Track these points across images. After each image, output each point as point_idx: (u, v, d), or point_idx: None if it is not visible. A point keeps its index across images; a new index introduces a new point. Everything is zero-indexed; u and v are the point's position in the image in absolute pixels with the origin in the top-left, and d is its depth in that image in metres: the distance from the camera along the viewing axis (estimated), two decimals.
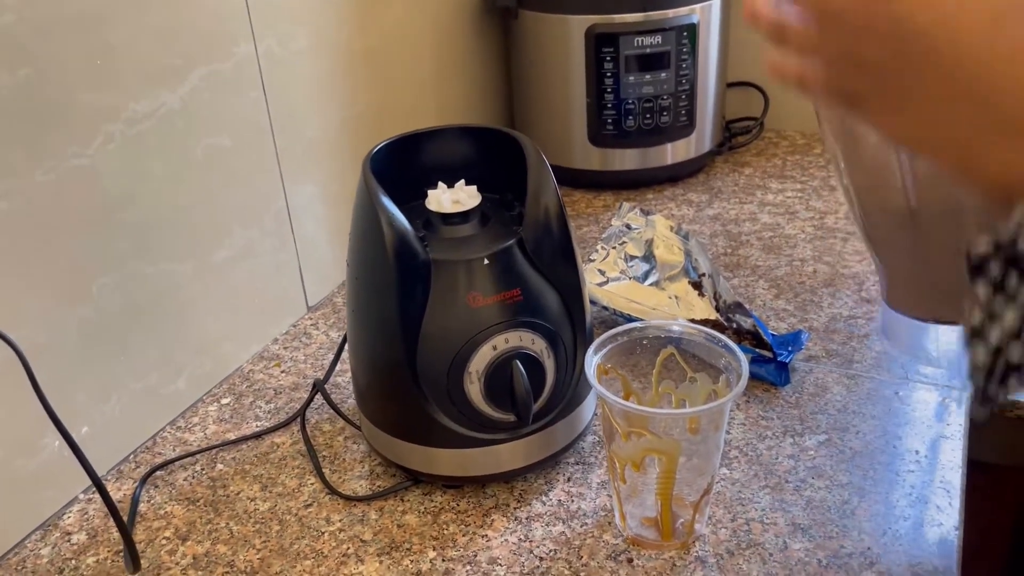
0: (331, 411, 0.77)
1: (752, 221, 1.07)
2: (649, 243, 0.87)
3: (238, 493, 0.70)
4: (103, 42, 0.66)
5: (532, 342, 0.62)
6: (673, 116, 1.13)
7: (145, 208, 0.72)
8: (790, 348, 0.77)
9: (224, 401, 0.81)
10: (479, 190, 0.66)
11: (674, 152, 1.17)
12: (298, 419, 0.77)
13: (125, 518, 0.67)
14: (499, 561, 0.61)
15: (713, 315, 0.80)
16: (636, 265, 0.87)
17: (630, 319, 0.81)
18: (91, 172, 0.67)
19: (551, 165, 0.65)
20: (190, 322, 0.79)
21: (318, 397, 0.79)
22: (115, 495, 0.70)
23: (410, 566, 0.61)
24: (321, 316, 0.94)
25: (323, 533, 0.65)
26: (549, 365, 0.63)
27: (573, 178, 1.19)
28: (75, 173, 0.66)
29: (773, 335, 0.79)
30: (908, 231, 0.48)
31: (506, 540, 0.63)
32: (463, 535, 0.64)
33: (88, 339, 0.69)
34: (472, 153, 0.71)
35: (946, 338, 0.50)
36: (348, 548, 0.63)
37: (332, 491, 0.69)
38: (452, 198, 0.65)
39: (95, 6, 0.65)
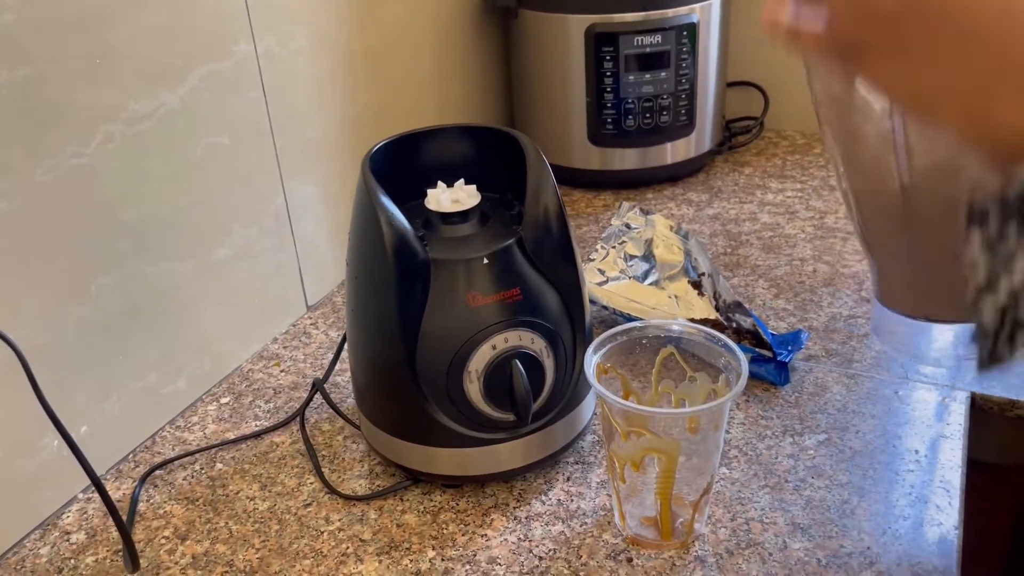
0: (330, 410, 0.77)
1: (752, 221, 1.07)
2: (649, 242, 0.87)
3: (237, 492, 0.69)
4: (103, 42, 0.66)
5: (531, 341, 0.62)
6: (673, 116, 1.13)
7: (145, 208, 0.72)
8: (790, 347, 0.77)
9: (223, 400, 0.81)
10: (478, 189, 0.66)
11: (674, 152, 1.17)
12: (297, 418, 0.77)
13: (124, 518, 0.67)
14: (498, 560, 0.61)
15: (713, 314, 0.80)
16: (636, 264, 0.87)
17: (630, 318, 0.81)
18: (91, 172, 0.67)
19: (551, 164, 0.65)
20: (189, 321, 0.79)
21: (317, 396, 0.79)
22: (114, 495, 0.70)
23: (409, 565, 0.61)
24: (320, 315, 0.94)
25: (322, 532, 0.65)
26: (548, 364, 0.63)
27: (573, 177, 1.19)
28: (75, 173, 0.66)
29: (773, 334, 0.79)
30: (904, 233, 0.48)
31: (505, 540, 0.63)
32: (462, 534, 0.64)
33: (87, 339, 0.69)
34: (472, 152, 0.71)
35: (938, 336, 0.51)
36: (347, 547, 0.63)
37: (331, 490, 0.69)
38: (451, 197, 0.65)
39: (95, 6, 0.65)
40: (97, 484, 0.59)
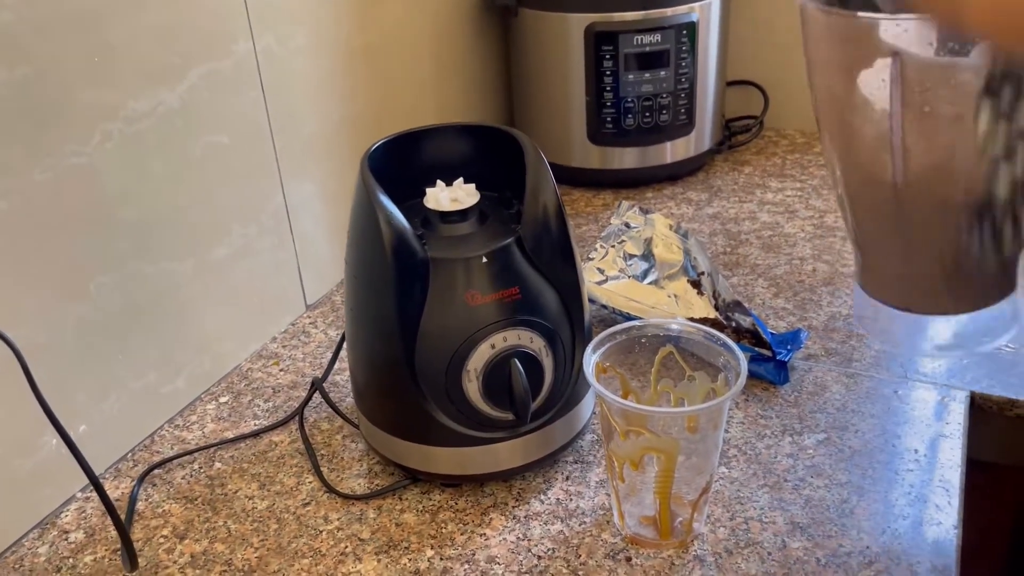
0: (329, 410, 0.77)
1: (751, 220, 1.07)
2: (648, 242, 0.87)
3: (236, 492, 0.69)
4: (102, 40, 0.66)
5: (530, 340, 0.62)
6: (672, 115, 1.13)
7: (144, 207, 0.72)
8: (789, 347, 0.77)
9: (222, 400, 0.81)
10: (477, 188, 0.66)
11: (673, 151, 1.17)
12: (296, 418, 0.77)
13: (123, 517, 0.67)
14: (497, 560, 0.61)
15: (712, 314, 0.80)
16: (635, 264, 0.87)
17: (629, 318, 0.81)
18: (90, 171, 0.67)
19: (550, 163, 0.65)
20: (189, 321, 0.78)
21: (316, 396, 0.79)
22: (113, 494, 0.70)
23: (408, 565, 0.61)
24: (320, 314, 0.93)
25: (321, 532, 0.65)
26: (547, 364, 0.63)
27: (572, 176, 1.19)
28: (74, 172, 0.66)
29: (772, 334, 0.79)
30: (896, 232, 0.49)
31: (504, 539, 0.63)
32: (461, 534, 0.64)
33: (87, 338, 0.69)
34: (471, 151, 0.71)
35: (919, 325, 0.51)
36: (346, 547, 0.63)
37: (330, 490, 0.69)
38: (450, 196, 0.65)
39: (94, 4, 0.65)
40: (95, 483, 0.59)
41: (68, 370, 0.68)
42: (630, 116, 1.12)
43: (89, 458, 0.59)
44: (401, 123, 0.98)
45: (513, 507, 0.66)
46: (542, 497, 0.67)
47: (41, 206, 0.64)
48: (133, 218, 0.71)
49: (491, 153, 0.69)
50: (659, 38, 1.08)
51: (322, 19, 0.89)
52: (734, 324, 0.78)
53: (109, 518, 0.62)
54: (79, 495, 0.70)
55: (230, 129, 0.80)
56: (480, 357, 0.61)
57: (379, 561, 0.62)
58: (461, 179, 0.67)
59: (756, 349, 0.76)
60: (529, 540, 0.63)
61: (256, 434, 0.76)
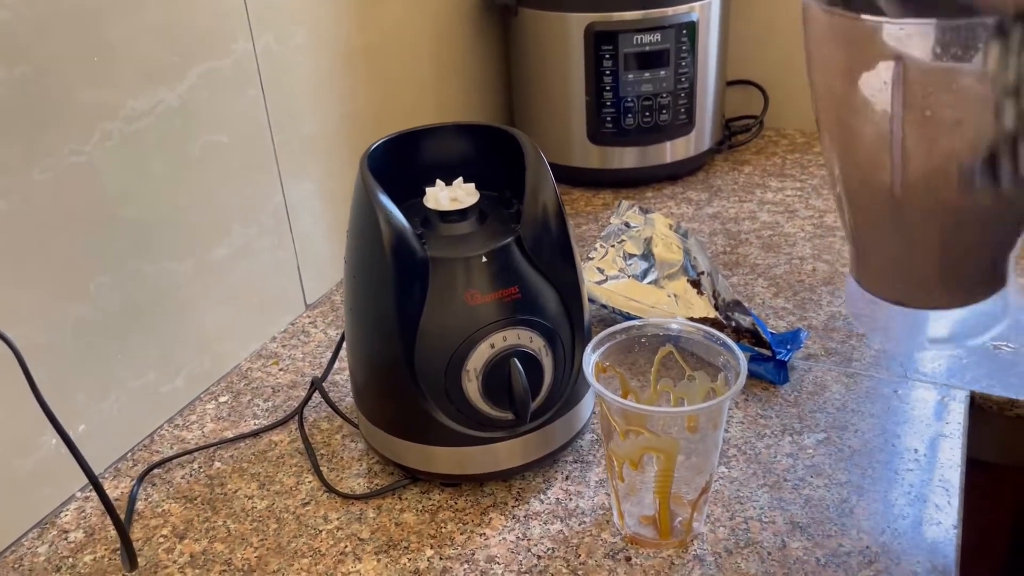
0: (329, 409, 0.77)
1: (751, 219, 1.07)
2: (648, 241, 0.87)
3: (236, 491, 0.69)
4: (101, 39, 0.66)
5: (530, 340, 0.62)
6: (672, 114, 1.13)
7: (143, 206, 0.72)
8: (789, 346, 0.77)
9: (222, 399, 0.81)
10: (477, 188, 0.66)
11: (673, 150, 1.17)
12: (296, 417, 0.77)
13: (122, 516, 0.67)
14: (497, 559, 0.61)
15: (712, 313, 0.80)
16: (635, 263, 0.86)
17: (628, 317, 0.81)
18: (89, 170, 0.67)
19: (550, 163, 0.65)
20: (188, 320, 0.78)
21: (316, 395, 0.79)
22: (112, 493, 0.70)
23: (408, 564, 0.61)
24: (319, 314, 0.93)
25: (320, 531, 0.65)
26: (547, 363, 0.63)
27: (572, 176, 1.19)
28: (73, 171, 0.66)
29: (772, 333, 0.79)
30: (893, 229, 0.49)
31: (504, 539, 0.63)
32: (461, 533, 0.64)
33: (86, 338, 0.69)
34: (470, 151, 0.71)
35: (912, 318, 0.52)
36: (346, 546, 0.63)
37: (330, 489, 0.69)
38: (450, 196, 0.65)
39: (93, 3, 0.65)
40: (95, 483, 0.59)
41: (68, 370, 0.68)
42: (630, 116, 1.12)
43: (89, 458, 0.59)
44: (401, 122, 0.98)
45: (513, 507, 0.66)
46: (542, 497, 0.67)
47: (40, 206, 0.64)
48: (133, 218, 0.71)
49: (491, 153, 0.69)
50: (659, 38, 1.08)
51: (322, 18, 0.89)
52: (734, 324, 0.78)
53: (109, 518, 0.62)
54: (79, 495, 0.70)
55: (230, 128, 0.80)
56: (480, 357, 0.61)
57: (379, 561, 0.62)
58: (461, 178, 0.67)
59: (756, 349, 0.76)
60: (529, 540, 0.63)
61: (256, 434, 0.76)
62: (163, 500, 0.69)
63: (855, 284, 0.53)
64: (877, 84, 0.44)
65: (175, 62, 0.73)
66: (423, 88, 1.09)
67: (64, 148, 0.65)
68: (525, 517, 0.65)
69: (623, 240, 0.88)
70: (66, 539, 0.66)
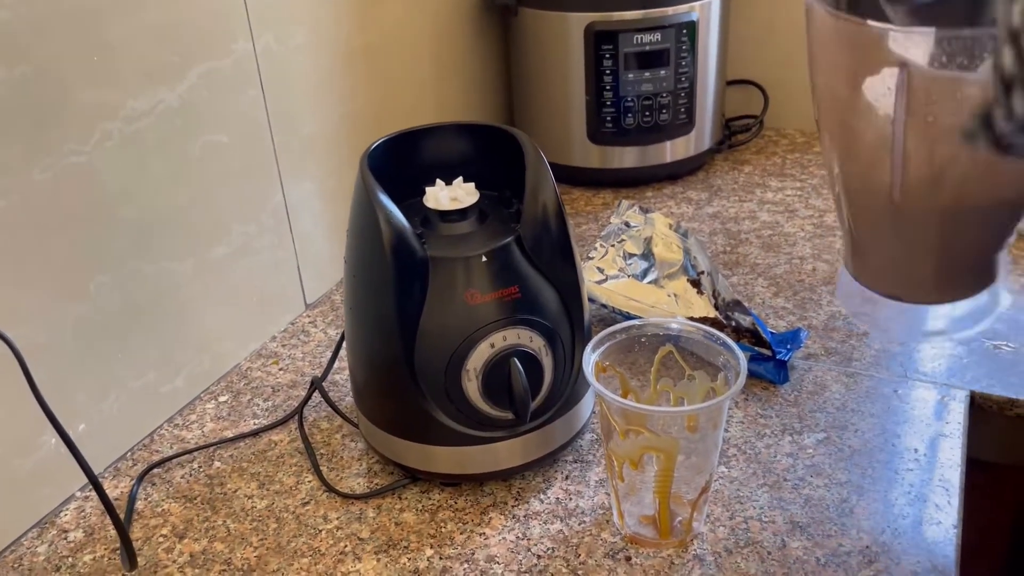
0: (329, 409, 0.77)
1: (751, 219, 1.07)
2: (648, 241, 0.87)
3: (235, 491, 0.69)
4: (101, 39, 0.66)
5: (530, 340, 0.62)
6: (672, 114, 1.13)
7: (143, 206, 0.72)
8: (789, 346, 0.77)
9: (222, 399, 0.81)
10: (477, 187, 0.66)
11: (673, 150, 1.17)
12: (296, 417, 0.77)
13: (122, 516, 0.67)
14: (497, 559, 0.61)
15: (712, 313, 0.80)
16: (635, 263, 0.86)
17: (628, 317, 0.81)
18: (89, 170, 0.67)
19: (550, 163, 0.65)
20: (188, 320, 0.78)
21: (316, 395, 0.78)
22: (112, 493, 0.70)
23: (407, 564, 0.61)
24: (319, 314, 0.93)
25: (320, 531, 0.65)
26: (547, 363, 0.63)
27: (572, 176, 1.19)
28: (73, 171, 0.66)
29: (772, 333, 0.79)
30: (891, 229, 0.49)
31: (504, 538, 0.63)
32: (461, 533, 0.64)
33: (86, 337, 0.69)
34: (470, 150, 0.71)
35: (908, 313, 0.52)
36: (345, 546, 0.63)
37: (329, 489, 0.68)
38: (450, 195, 0.65)
39: (93, 3, 0.65)
40: (94, 482, 0.59)
41: (67, 369, 0.68)
42: (630, 115, 1.12)
43: (88, 457, 0.59)
44: (401, 122, 0.98)
45: (513, 506, 0.66)
46: (542, 496, 0.67)
47: (40, 205, 0.64)
48: (132, 217, 0.71)
49: (491, 152, 0.69)
50: (659, 37, 1.08)
51: (322, 18, 0.89)
52: (734, 323, 0.78)
53: (108, 517, 0.62)
54: (78, 494, 0.70)
55: (230, 128, 0.79)
56: (480, 356, 0.61)
57: (378, 560, 0.62)
58: (461, 178, 0.67)
59: (756, 348, 0.76)
60: (528, 539, 0.63)
61: (255, 433, 0.76)
62: (163, 500, 0.69)
63: (848, 276, 0.54)
64: (881, 89, 0.44)
65: (175, 62, 0.73)
66: (423, 88, 1.09)
67: (64, 148, 0.65)
68: (525, 517, 0.65)
69: (623, 240, 0.88)
70: (66, 539, 0.66)
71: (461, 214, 0.65)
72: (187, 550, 0.64)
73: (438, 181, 0.67)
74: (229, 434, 0.76)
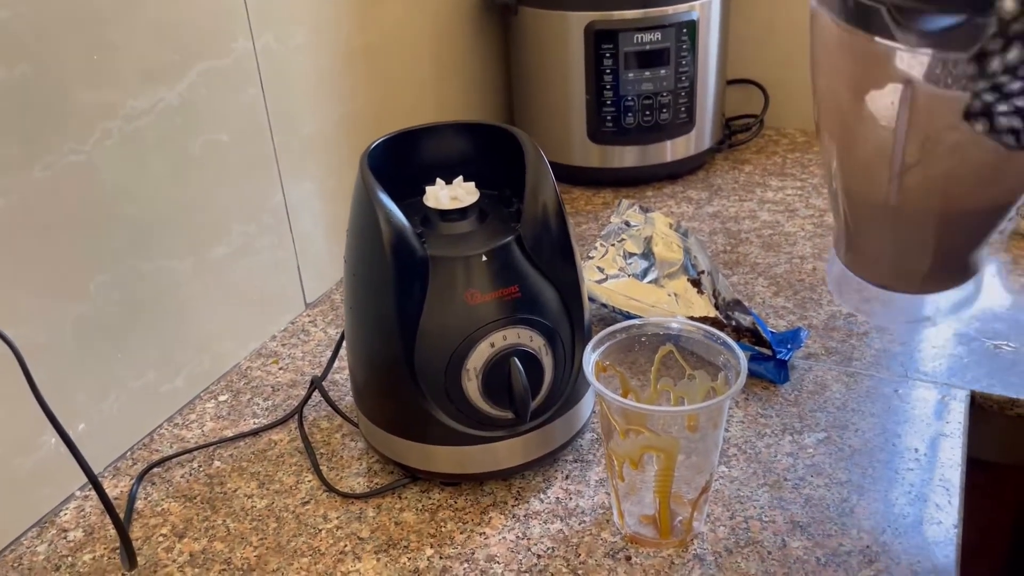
0: (329, 408, 0.77)
1: (752, 219, 1.07)
2: (648, 240, 0.87)
3: (235, 490, 0.69)
4: (101, 38, 0.66)
5: (530, 339, 0.62)
6: (673, 113, 1.13)
7: (143, 205, 0.72)
8: (789, 346, 0.77)
9: (222, 398, 0.81)
10: (477, 187, 0.66)
11: (673, 149, 1.17)
12: (296, 416, 0.77)
13: (122, 515, 0.67)
14: (497, 559, 0.61)
15: (712, 312, 0.80)
16: (635, 262, 0.86)
17: (629, 316, 0.81)
18: (89, 169, 0.67)
19: (550, 162, 0.65)
20: (188, 319, 0.78)
21: (316, 394, 0.78)
22: (112, 492, 0.70)
23: (407, 564, 0.61)
24: (319, 313, 0.93)
25: (320, 530, 0.65)
26: (547, 362, 0.63)
27: (572, 175, 1.19)
28: (72, 170, 0.66)
29: (772, 333, 0.79)
30: (887, 227, 0.49)
31: (504, 538, 0.63)
32: (461, 533, 0.64)
33: (86, 337, 0.69)
34: (470, 149, 0.71)
35: (900, 301, 0.53)
36: (345, 545, 0.63)
37: (329, 488, 0.68)
38: (450, 194, 0.65)
39: (93, 2, 0.65)
40: (94, 482, 0.59)
41: (67, 369, 0.68)
42: (630, 115, 1.12)
43: (88, 457, 0.59)
44: (401, 121, 0.98)
45: (513, 506, 0.66)
46: (542, 496, 0.67)
47: (40, 204, 0.64)
48: (132, 216, 0.71)
49: (491, 151, 0.69)
50: (659, 36, 1.08)
51: (322, 18, 0.89)
52: (734, 323, 0.78)
53: (108, 517, 0.62)
54: (78, 494, 0.70)
55: (230, 127, 0.79)
56: (480, 356, 0.61)
57: (378, 560, 0.62)
58: (461, 177, 0.67)
59: (756, 348, 0.76)
60: (529, 539, 0.63)
61: (255, 433, 0.76)
62: (163, 499, 0.69)
63: (837, 259, 0.54)
64: (884, 102, 0.44)
65: (175, 61, 0.73)
66: (423, 87, 1.09)
67: (64, 147, 0.65)
68: (525, 516, 0.65)
69: (623, 239, 0.88)
70: (65, 538, 0.66)
71: (461, 213, 0.65)
72: (187, 549, 0.64)
73: (438, 180, 0.66)
74: (229, 433, 0.76)
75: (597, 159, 1.17)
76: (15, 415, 0.63)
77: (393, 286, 0.60)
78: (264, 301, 0.88)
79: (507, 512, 0.65)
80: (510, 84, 1.26)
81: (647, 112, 1.12)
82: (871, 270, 0.52)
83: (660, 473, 0.58)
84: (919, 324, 0.71)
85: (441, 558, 0.61)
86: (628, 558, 0.60)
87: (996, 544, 0.90)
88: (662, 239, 0.87)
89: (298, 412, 0.77)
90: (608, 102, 1.12)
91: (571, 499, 0.66)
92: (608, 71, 1.10)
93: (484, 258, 0.61)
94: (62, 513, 0.68)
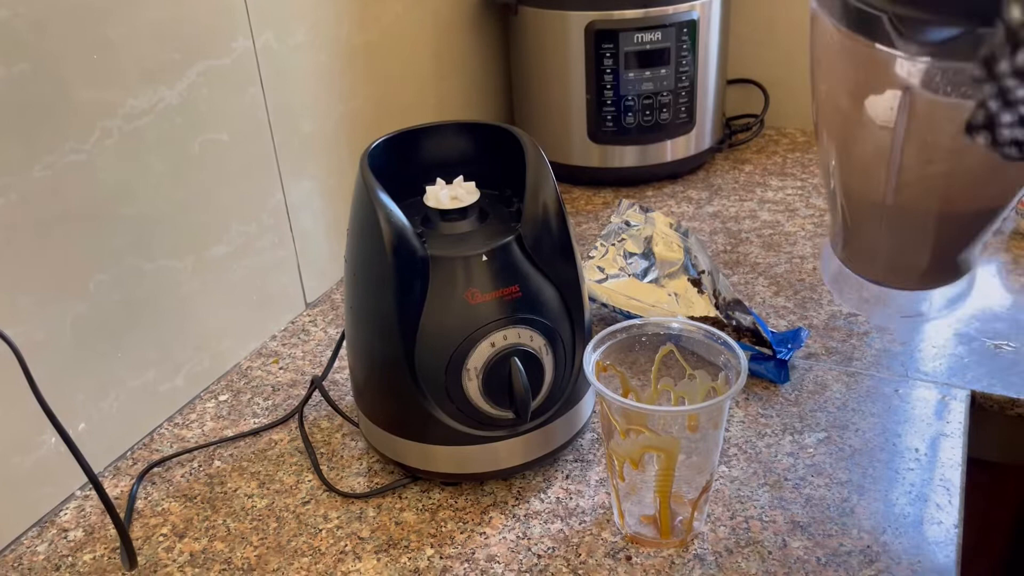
0: (329, 408, 0.77)
1: (752, 218, 1.07)
2: (648, 240, 0.87)
3: (235, 490, 0.69)
4: (101, 37, 0.66)
5: (530, 339, 0.62)
6: (673, 113, 1.13)
7: (143, 204, 0.72)
8: (790, 346, 0.77)
9: (222, 398, 0.81)
10: (478, 186, 0.66)
11: (674, 149, 1.17)
12: (296, 416, 0.77)
13: (122, 515, 0.67)
14: (497, 559, 0.61)
15: (712, 312, 0.80)
16: (635, 262, 0.86)
17: (629, 316, 0.81)
18: (89, 168, 0.67)
19: (550, 162, 0.65)
20: (188, 319, 0.78)
21: (316, 394, 0.78)
22: (112, 492, 0.70)
23: (408, 563, 0.61)
24: (319, 313, 0.93)
25: (320, 530, 0.65)
26: (547, 362, 0.63)
27: (572, 175, 1.19)
28: (73, 169, 0.66)
29: (772, 332, 0.79)
30: (884, 228, 0.50)
31: (504, 538, 0.63)
32: (461, 532, 0.64)
33: (86, 336, 0.69)
34: (471, 149, 0.71)
35: (888, 295, 0.53)
36: (345, 545, 0.63)
37: (330, 488, 0.68)
38: (450, 194, 0.65)
39: (93, 0, 0.65)
40: (94, 482, 0.59)
41: (67, 368, 0.68)
42: (630, 114, 1.12)
43: (88, 456, 0.59)
44: (401, 121, 0.98)
45: (513, 506, 0.66)
46: (542, 496, 0.66)
47: (40, 203, 0.64)
48: (132, 215, 0.71)
49: (491, 151, 0.69)
50: (659, 36, 1.08)
51: (322, 16, 0.89)
52: (734, 323, 0.78)
53: (108, 516, 0.62)
54: (78, 493, 0.70)
55: (230, 126, 0.79)
56: (480, 355, 0.61)
57: (379, 560, 0.62)
58: (461, 177, 0.67)
59: (756, 348, 0.76)
60: (529, 539, 0.63)
61: (255, 432, 0.76)
62: (163, 499, 0.69)
63: (832, 254, 0.54)
64: (883, 107, 0.44)
65: (175, 60, 0.73)
66: (423, 86, 1.08)
67: (64, 146, 0.65)
68: (525, 516, 0.65)
69: (623, 239, 0.88)
70: (66, 538, 0.66)
71: (461, 213, 0.65)
72: (187, 549, 0.64)
73: (438, 180, 0.66)
74: (229, 433, 0.76)
75: (597, 159, 1.17)
76: (15, 414, 0.63)
77: (393, 286, 0.60)
78: (264, 301, 0.88)
79: (507, 512, 0.65)
80: (510, 83, 1.26)
81: (647, 112, 1.12)
82: (868, 266, 0.53)
83: (660, 473, 0.58)
84: (913, 319, 0.71)
85: (441, 558, 0.61)
86: (628, 558, 0.60)
87: (996, 544, 0.90)
88: (662, 239, 0.87)
89: (298, 412, 0.77)
90: (608, 102, 1.12)
91: (571, 499, 0.66)
92: (608, 71, 1.10)
93: (484, 258, 0.61)
94: (62, 513, 0.68)
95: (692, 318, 0.76)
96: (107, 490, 0.69)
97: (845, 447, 0.69)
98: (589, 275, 0.86)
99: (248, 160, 0.82)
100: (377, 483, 0.69)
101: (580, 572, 0.59)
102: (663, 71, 1.10)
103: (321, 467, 0.71)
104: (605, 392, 0.56)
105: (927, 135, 0.44)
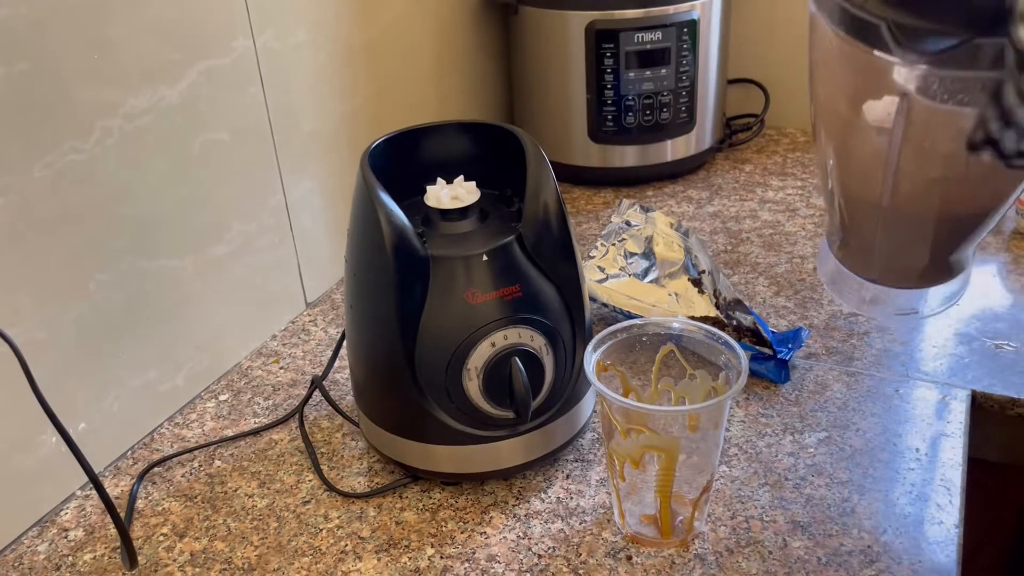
0: (329, 408, 0.77)
1: (752, 218, 1.07)
2: (649, 240, 0.87)
3: (236, 490, 0.69)
4: (101, 36, 0.66)
5: (531, 339, 0.62)
6: (673, 113, 1.13)
7: (143, 204, 0.72)
8: (790, 345, 0.77)
9: (222, 397, 0.81)
10: (478, 186, 0.66)
11: (674, 149, 1.17)
12: (296, 416, 0.77)
13: (123, 515, 0.67)
14: (497, 558, 0.61)
15: (713, 312, 0.80)
16: (636, 262, 0.86)
17: (629, 316, 0.81)
18: (89, 167, 0.67)
19: (551, 161, 0.65)
20: (188, 318, 0.78)
21: (316, 394, 0.78)
22: (113, 492, 0.70)
23: (408, 563, 0.61)
24: (320, 312, 0.93)
25: (321, 530, 0.65)
26: (548, 362, 0.63)
27: (573, 175, 1.19)
28: (73, 169, 0.66)
29: (773, 332, 0.78)
30: (882, 227, 0.50)
31: (505, 537, 0.63)
32: (461, 532, 0.64)
33: (86, 336, 0.69)
34: (471, 149, 0.71)
35: (884, 292, 0.54)
36: (346, 545, 0.63)
37: (330, 488, 0.68)
38: (451, 194, 0.65)
39: (93, 0, 0.65)
40: (95, 481, 0.59)
41: (68, 368, 0.68)
42: (631, 114, 1.12)
43: (89, 456, 0.59)
44: (401, 120, 0.98)
45: (513, 506, 0.66)
46: (542, 496, 0.66)
47: (40, 203, 0.64)
48: (133, 215, 0.71)
49: (492, 151, 0.69)
50: (660, 36, 1.08)
51: (322, 16, 0.89)
52: (735, 322, 0.78)
53: (109, 516, 0.62)
54: (79, 493, 0.70)
55: (230, 126, 0.79)
56: (480, 355, 0.61)
57: (379, 559, 0.62)
58: (462, 177, 0.67)
59: (757, 348, 0.76)
60: (529, 539, 0.63)
61: (256, 432, 0.76)
62: (163, 498, 0.69)
63: (828, 251, 0.55)
64: (880, 112, 0.44)
65: (176, 59, 0.73)
66: (424, 86, 1.08)
67: (64, 146, 0.65)
68: (526, 516, 0.65)
69: (624, 239, 0.88)
70: (66, 537, 0.66)
71: (462, 213, 0.65)
72: (187, 549, 0.64)
73: (439, 180, 0.66)
74: (229, 433, 0.76)
75: (598, 159, 1.17)
76: (15, 414, 0.63)
77: (394, 286, 0.60)
78: (264, 300, 0.88)
79: (508, 512, 0.65)
80: (511, 83, 1.26)
81: (648, 112, 1.12)
82: (865, 265, 0.53)
83: (661, 473, 0.58)
84: (908, 317, 0.71)
85: (442, 558, 0.61)
86: (629, 558, 0.60)
87: (997, 544, 0.90)
88: (663, 239, 0.87)
89: (299, 411, 0.77)
90: (609, 101, 1.11)
91: (572, 499, 0.66)
92: (609, 70, 1.10)
93: (485, 258, 0.61)
94: (63, 512, 0.68)
95: (693, 318, 0.76)
96: (107, 490, 0.69)
97: (846, 447, 0.69)
98: (590, 275, 0.86)
99: (248, 160, 0.82)
100: (377, 483, 0.69)
101: (581, 572, 0.59)
102: (663, 71, 1.10)
103: (321, 467, 0.71)
104: (606, 392, 0.56)
105: (924, 140, 0.44)
